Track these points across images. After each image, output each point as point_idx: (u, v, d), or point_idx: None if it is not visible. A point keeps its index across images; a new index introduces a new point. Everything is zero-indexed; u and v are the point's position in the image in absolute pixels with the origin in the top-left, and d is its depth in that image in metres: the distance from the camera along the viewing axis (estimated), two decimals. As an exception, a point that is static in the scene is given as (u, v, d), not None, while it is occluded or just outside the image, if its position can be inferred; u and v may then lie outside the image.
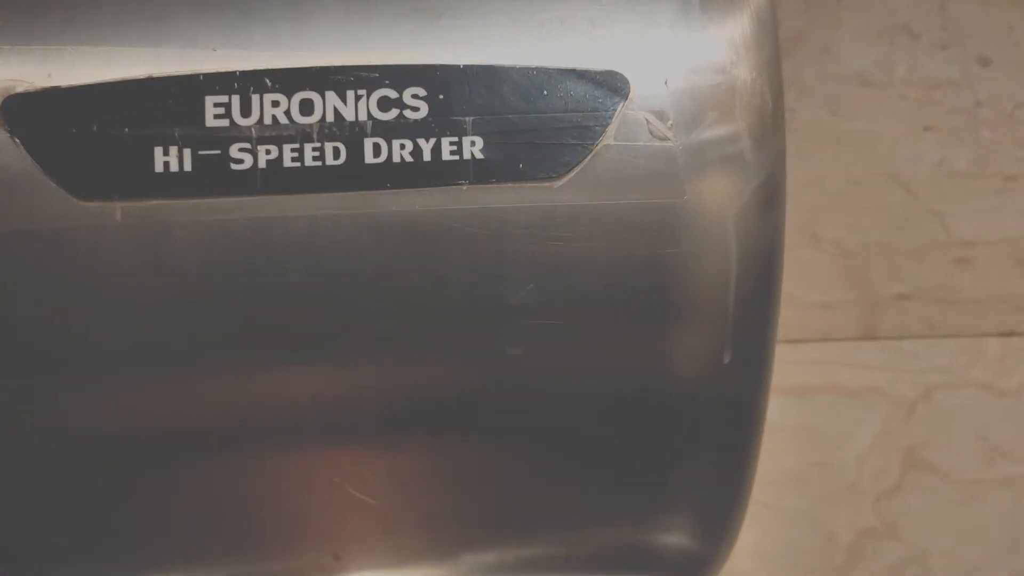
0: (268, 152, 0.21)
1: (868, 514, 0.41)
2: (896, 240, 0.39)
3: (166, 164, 0.21)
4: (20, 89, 0.21)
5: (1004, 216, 0.39)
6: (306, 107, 0.21)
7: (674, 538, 0.29)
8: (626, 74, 0.22)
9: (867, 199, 0.39)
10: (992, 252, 0.39)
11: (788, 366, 0.39)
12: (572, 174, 0.22)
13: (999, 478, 0.41)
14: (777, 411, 0.40)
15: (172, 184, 0.21)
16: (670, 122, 0.22)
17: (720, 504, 0.29)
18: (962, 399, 0.40)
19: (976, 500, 0.41)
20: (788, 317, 0.38)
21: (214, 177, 0.21)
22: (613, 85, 0.22)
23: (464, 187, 0.21)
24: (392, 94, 0.21)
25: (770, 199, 0.23)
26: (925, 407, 0.40)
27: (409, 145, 0.21)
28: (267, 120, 0.21)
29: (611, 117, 0.22)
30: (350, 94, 0.21)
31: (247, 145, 0.21)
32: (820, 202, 0.39)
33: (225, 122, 0.21)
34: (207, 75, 0.21)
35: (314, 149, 0.21)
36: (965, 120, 0.39)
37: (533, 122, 0.21)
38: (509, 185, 0.21)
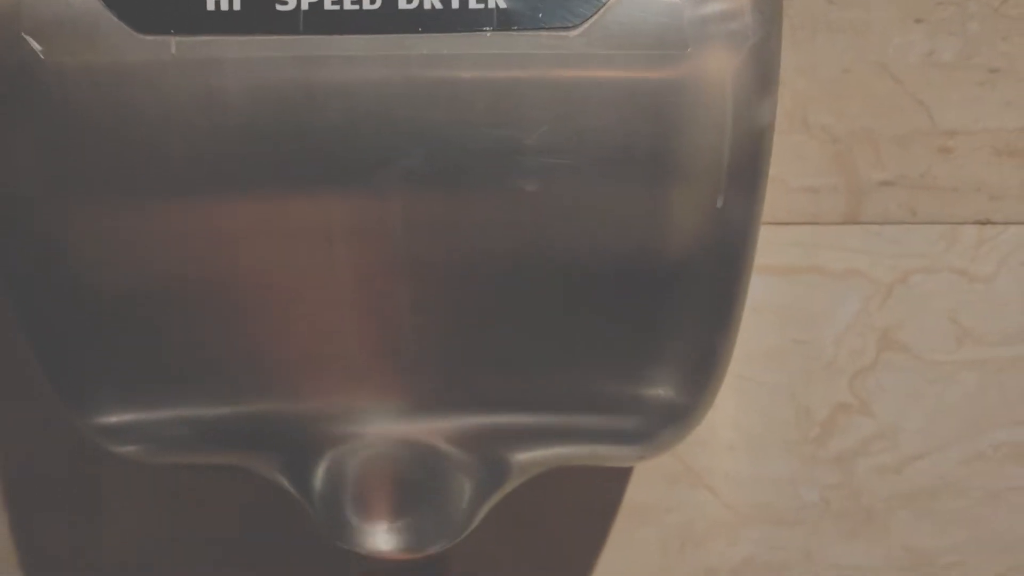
0: (311, -6, 0.24)
1: (843, 391, 0.45)
2: (882, 128, 0.42)
3: (217, 2, 0.24)
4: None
5: (986, 107, 0.42)
6: (346, -46, 0.24)
7: (661, 386, 0.32)
8: (637, -68, 0.25)
9: (857, 87, 0.42)
10: (973, 142, 0.42)
11: (774, 247, 0.43)
12: (586, 25, 0.25)
13: (968, 360, 0.45)
14: (761, 290, 0.44)
15: (222, 21, 0.24)
16: (677, -21, 0.25)
17: (705, 355, 0.32)
18: (937, 283, 0.43)
19: (945, 380, 0.45)
20: (776, 200, 0.42)
21: (260, 16, 0.24)
22: (625, -57, 0.25)
23: (488, 33, 0.24)
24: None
25: (765, 57, 0.27)
26: (902, 290, 0.43)
27: (439, -8, 0.24)
28: (311, -35, 0.24)
29: (624, -27, 0.25)
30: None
31: (292, -13, 0.24)
32: (812, 89, 0.42)
33: (272, -34, 0.23)
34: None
35: (353, -7, 0.24)
36: (954, 12, 0.42)
37: (553, -26, 0.24)
38: (529, 33, 0.24)
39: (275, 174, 0.25)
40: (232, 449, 0.34)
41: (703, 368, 0.32)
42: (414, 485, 0.33)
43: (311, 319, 0.28)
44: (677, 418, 0.33)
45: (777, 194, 0.42)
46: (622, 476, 0.46)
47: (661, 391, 0.32)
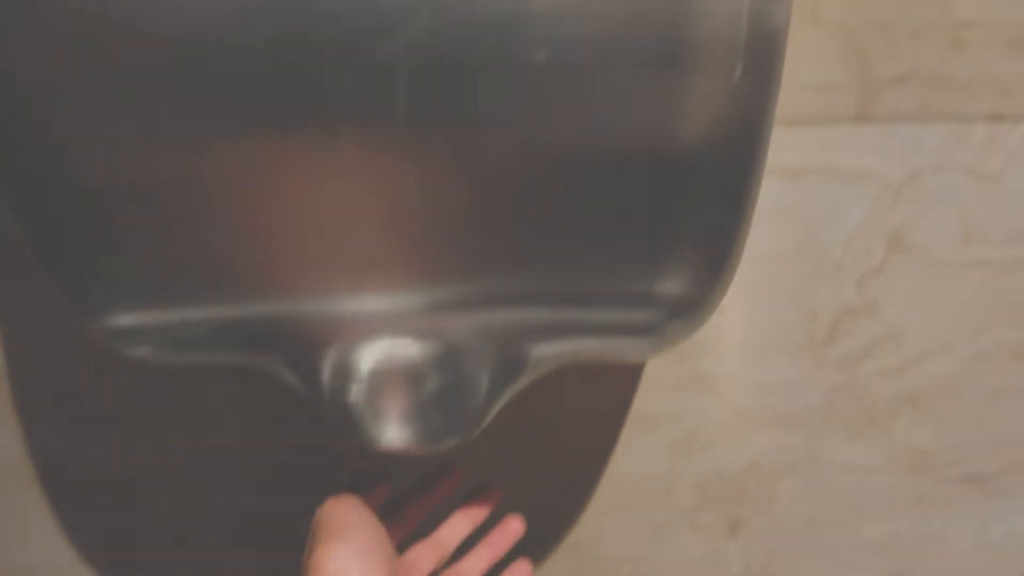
0: None
1: (850, 293, 0.45)
2: (896, 20, 0.41)
3: None
4: None
5: (1002, -1, 0.41)
6: None
7: (673, 279, 0.32)
8: None
9: (871, -22, 0.41)
10: (987, 35, 0.41)
11: (784, 149, 0.42)
12: None
13: (974, 260, 0.44)
14: (770, 192, 0.43)
15: None
16: None
17: (717, 248, 0.32)
18: (946, 182, 0.43)
19: (951, 280, 0.45)
20: (787, 99, 0.41)
21: None
22: None
23: None
24: None
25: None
26: (911, 189, 0.43)
27: None
28: None
29: None
30: None
31: None
32: (825, -20, 0.40)
33: None
34: None
35: None
36: (973, -103, 0.40)
37: None
38: None
39: (275, 51, 0.24)
40: (243, 348, 0.33)
41: (714, 261, 0.32)
42: (429, 379, 0.33)
43: (318, 208, 0.28)
44: (688, 311, 0.33)
45: (788, 92, 0.41)
46: (630, 383, 0.46)
47: (672, 284, 0.32)
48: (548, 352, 0.34)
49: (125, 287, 0.30)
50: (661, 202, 0.29)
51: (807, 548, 0.49)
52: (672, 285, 0.31)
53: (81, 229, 0.29)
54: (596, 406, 0.46)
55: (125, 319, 0.31)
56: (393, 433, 0.34)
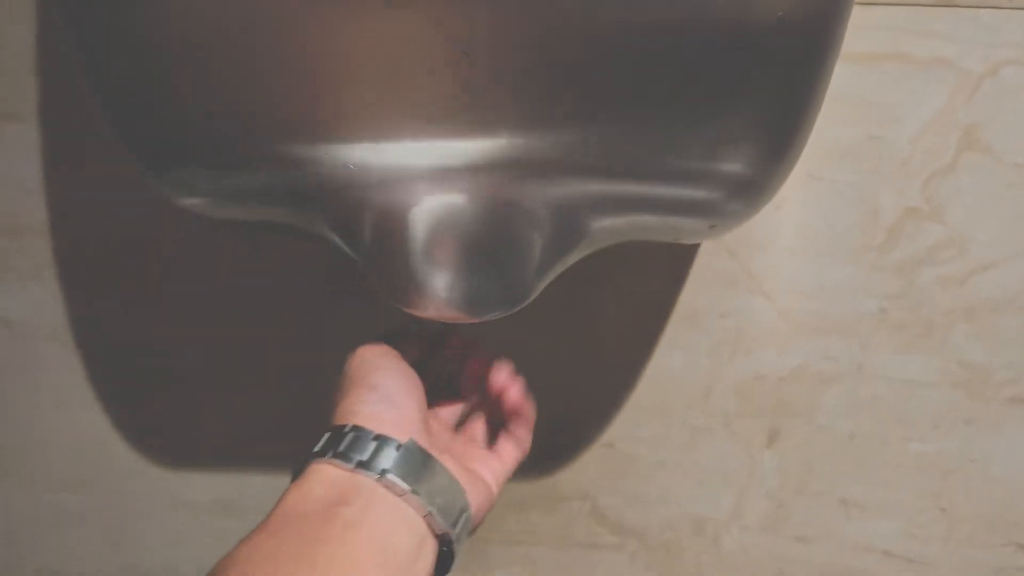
0: None
1: (915, 194, 0.43)
2: None
3: None
4: None
5: None
6: None
7: (736, 158, 0.30)
8: None
9: None
10: (1089, -85, 0.39)
11: (857, 31, 0.40)
12: None
13: (1050, 166, 0.42)
14: (839, 79, 0.41)
15: None
16: None
17: (782, 129, 0.30)
18: (1029, 78, 0.40)
19: None
20: (867, -25, 0.39)
21: None
22: None
23: None
24: None
25: None
26: (991, 84, 0.41)
27: None
28: None
29: None
30: None
31: None
32: None
33: None
34: None
35: None
36: None
37: None
38: None
39: None
40: (292, 202, 0.32)
41: (779, 142, 0.31)
42: (480, 242, 0.32)
43: (376, 50, 0.26)
44: (747, 192, 0.32)
45: (867, -32, 0.38)
46: (678, 274, 0.45)
47: (734, 162, 0.30)
48: (604, 225, 0.33)
49: (182, 138, 0.29)
50: (731, 74, 0.28)
51: (847, 464, 0.47)
52: (734, 163, 0.30)
53: (140, 80, 0.28)
54: (640, 295, 0.45)
55: (181, 170, 0.30)
56: (438, 298, 0.33)
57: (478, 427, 0.38)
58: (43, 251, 0.46)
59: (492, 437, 0.38)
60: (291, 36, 0.27)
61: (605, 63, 0.28)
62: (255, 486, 0.49)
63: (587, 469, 0.48)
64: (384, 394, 0.32)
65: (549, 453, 0.48)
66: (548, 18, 0.26)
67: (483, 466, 0.35)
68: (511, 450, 0.37)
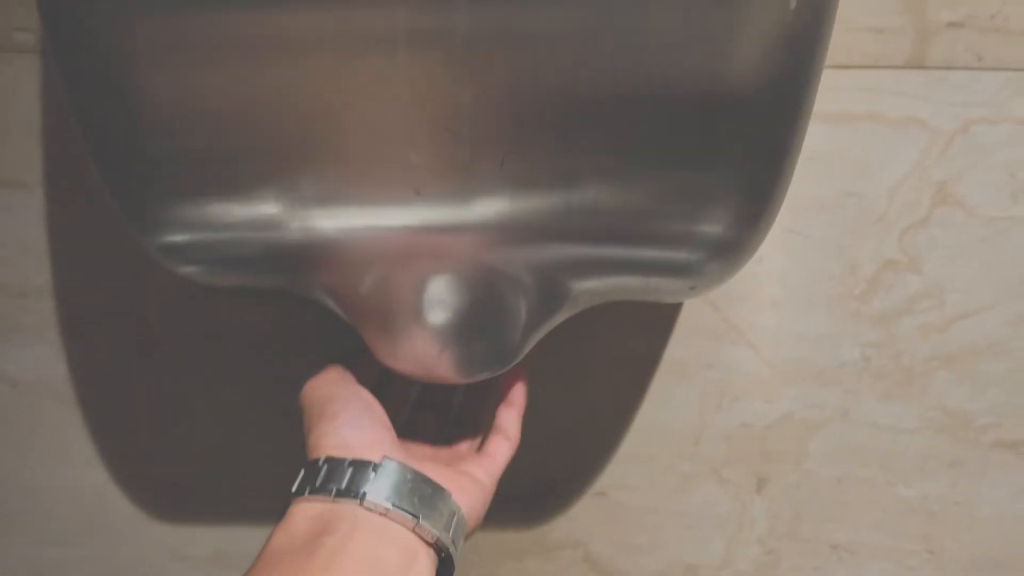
0: None
1: (893, 246, 0.44)
2: (955, -37, 0.40)
3: None
4: None
5: (1066, -56, 0.40)
6: None
7: (714, 219, 0.31)
8: None
9: (931, -83, 0.39)
10: (1049, -18, 0.40)
11: (832, 92, 0.41)
12: None
13: (1022, 216, 0.43)
14: (816, 138, 0.42)
15: None
16: None
17: (759, 189, 0.31)
18: (998, 134, 0.42)
19: (998, 237, 0.43)
20: (839, 41, 0.40)
21: None
22: None
23: None
24: None
25: None
26: (962, 141, 0.42)
27: None
28: None
29: None
30: None
31: None
32: (884, -82, 0.39)
33: None
34: None
35: None
36: None
37: None
38: None
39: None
40: (285, 268, 0.33)
41: (756, 202, 0.31)
42: (468, 307, 0.33)
43: (368, 123, 0.27)
44: (727, 253, 0.33)
45: (839, 34, 0.40)
46: (664, 328, 0.46)
47: (713, 224, 0.31)
48: (588, 287, 0.34)
49: (179, 204, 0.30)
50: (710, 137, 0.29)
51: (835, 508, 0.48)
52: (713, 225, 0.31)
53: (140, 147, 0.29)
54: (628, 350, 0.46)
55: (177, 236, 0.31)
56: (429, 361, 0.34)
57: (461, 434, 0.38)
58: (47, 312, 0.47)
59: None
60: (282, 108, 0.28)
61: (585, 134, 0.29)
62: (254, 539, 0.49)
63: (580, 517, 0.49)
64: (346, 420, 0.32)
65: (542, 502, 0.49)
66: (529, 93, 0.27)
67: (472, 465, 0.35)
68: (500, 445, 0.37)
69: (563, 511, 0.49)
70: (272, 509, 0.48)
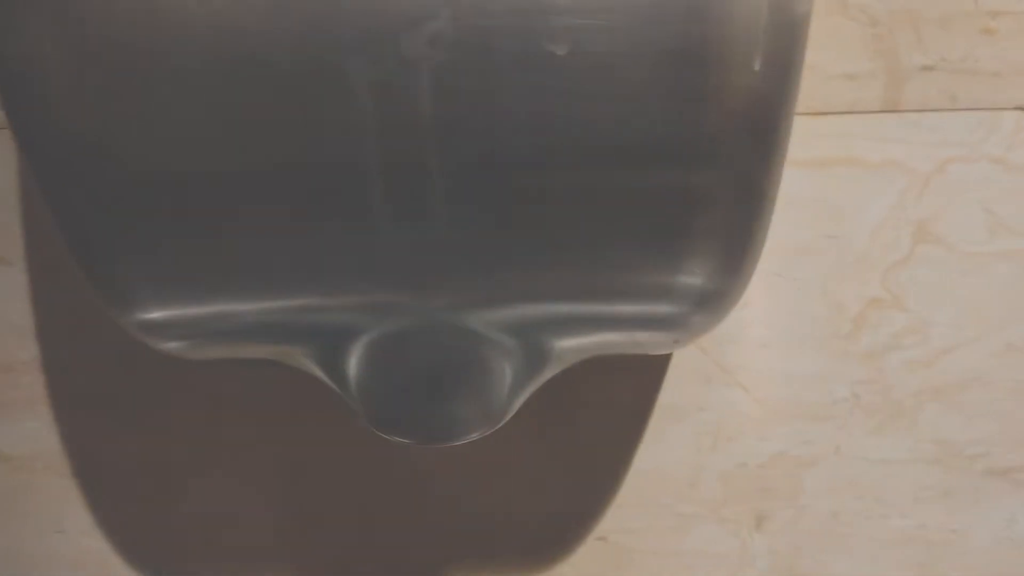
0: None
1: (876, 285, 0.44)
2: (923, 9, 0.40)
3: None
4: None
5: (1031, -14, 0.40)
6: None
7: (695, 272, 0.31)
8: None
9: (898, -34, 0.40)
10: (1017, 23, 0.40)
11: (809, 139, 0.41)
12: None
13: (1001, 251, 0.44)
14: (795, 183, 0.42)
15: None
16: None
17: (739, 240, 0.31)
18: (974, 173, 0.42)
19: (978, 272, 0.44)
20: (813, 89, 0.40)
21: None
22: None
23: None
24: None
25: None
26: (939, 181, 0.42)
27: None
28: None
29: None
30: None
31: None
32: (852, -31, 0.40)
33: None
34: None
35: None
36: None
37: None
38: None
39: (301, 44, 0.24)
40: (270, 342, 0.33)
41: (736, 254, 0.32)
42: (454, 372, 0.33)
43: (342, 204, 0.27)
44: (710, 304, 0.33)
45: (813, 82, 0.40)
46: (655, 375, 0.46)
47: (694, 277, 0.31)
48: (571, 345, 0.34)
49: (155, 283, 0.30)
50: (681, 195, 0.29)
51: (833, 542, 0.48)
52: (693, 278, 0.31)
53: (114, 224, 0.29)
54: (620, 398, 0.46)
55: (156, 313, 0.31)
56: (418, 426, 0.34)
57: None
58: (36, 386, 0.46)
59: None
60: (251, 186, 0.28)
61: (559, 195, 0.28)
62: (255, 602, 0.49)
63: (581, 563, 0.49)
64: None
65: (543, 549, 0.49)
66: (495, 160, 0.27)
67: None
68: None
69: (565, 557, 0.49)
70: (274, 571, 0.48)
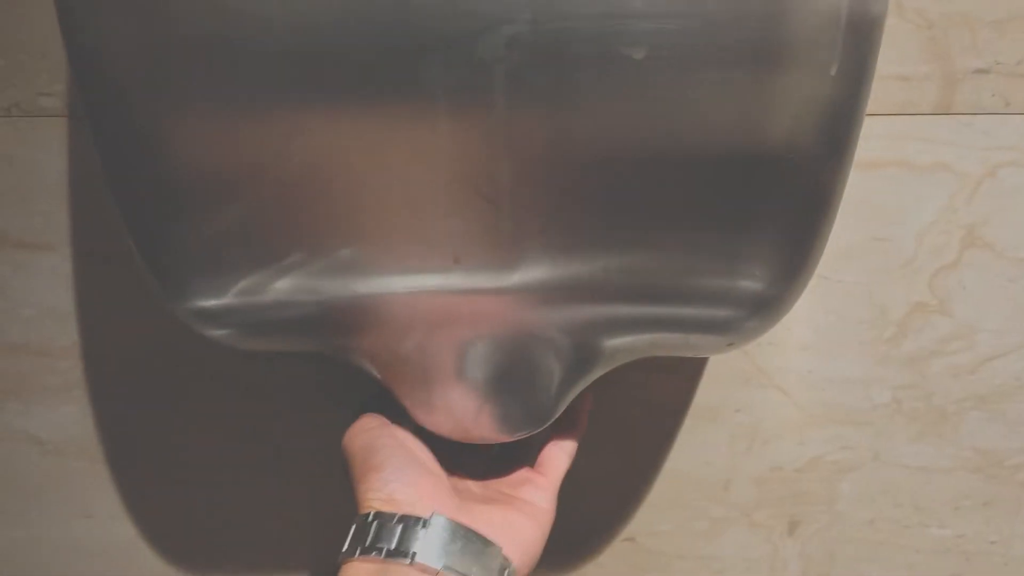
0: None
1: (922, 289, 0.43)
2: (979, 11, 0.39)
3: None
4: None
5: (1090, -11, 0.40)
6: None
7: (754, 276, 0.31)
8: None
9: (955, -33, 0.39)
10: (1074, 26, 0.40)
11: (861, 140, 0.41)
12: None
13: (1051, 258, 0.43)
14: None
15: None
16: None
17: (800, 246, 0.31)
18: (1026, 178, 0.41)
19: (1026, 279, 0.43)
20: (865, 89, 0.40)
21: None
22: None
23: None
24: None
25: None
26: (989, 185, 0.41)
27: None
28: None
29: None
30: None
31: None
32: (908, -31, 0.39)
33: None
34: None
35: None
36: None
37: None
38: None
39: (380, 43, 0.24)
40: (322, 334, 0.33)
41: (796, 259, 0.31)
42: (505, 370, 0.33)
43: (408, 195, 0.27)
44: (766, 309, 0.32)
45: (866, 82, 0.39)
46: (692, 375, 0.45)
47: (753, 281, 0.31)
48: (624, 345, 0.33)
49: (211, 272, 0.30)
50: (749, 198, 0.29)
51: (868, 550, 0.47)
52: (754, 283, 0.31)
53: (177, 214, 0.29)
54: (657, 397, 0.45)
55: (209, 302, 0.31)
56: (468, 423, 0.34)
57: (514, 454, 0.37)
58: (72, 371, 0.46)
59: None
60: (322, 178, 0.28)
61: (623, 196, 0.29)
62: (284, 593, 0.49)
63: (609, 564, 0.48)
64: (392, 473, 0.32)
65: (571, 549, 0.48)
66: (568, 160, 0.27)
67: (529, 490, 0.34)
68: (557, 456, 0.36)
69: (592, 558, 0.49)
70: (301, 559, 0.48)
